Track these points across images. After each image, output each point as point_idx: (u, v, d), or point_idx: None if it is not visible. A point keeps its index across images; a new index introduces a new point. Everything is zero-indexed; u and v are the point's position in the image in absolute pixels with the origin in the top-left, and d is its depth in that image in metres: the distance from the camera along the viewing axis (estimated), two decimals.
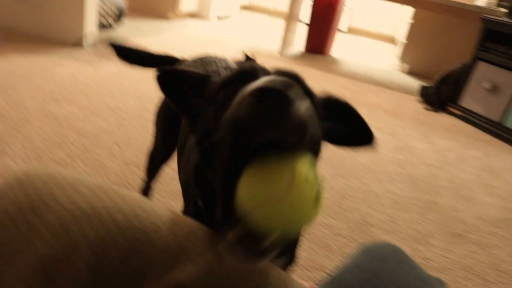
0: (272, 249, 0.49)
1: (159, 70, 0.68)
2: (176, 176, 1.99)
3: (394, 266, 0.55)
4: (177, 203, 1.83)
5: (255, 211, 0.48)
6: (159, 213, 0.67)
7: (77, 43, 3.83)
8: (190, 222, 0.68)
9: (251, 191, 0.49)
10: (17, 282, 0.60)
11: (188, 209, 0.84)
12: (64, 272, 0.61)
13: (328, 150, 2.50)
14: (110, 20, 4.31)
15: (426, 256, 1.80)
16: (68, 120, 2.38)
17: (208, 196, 0.69)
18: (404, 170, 2.59)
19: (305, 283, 0.71)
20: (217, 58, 1.21)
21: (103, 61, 3.55)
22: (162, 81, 0.68)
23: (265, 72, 0.62)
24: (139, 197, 0.70)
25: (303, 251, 1.68)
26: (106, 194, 0.68)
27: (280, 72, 0.62)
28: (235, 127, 0.49)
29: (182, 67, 1.23)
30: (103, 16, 4.25)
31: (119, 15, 4.50)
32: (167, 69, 0.69)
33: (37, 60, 3.30)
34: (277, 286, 0.62)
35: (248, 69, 0.61)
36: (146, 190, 1.67)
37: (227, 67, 1.14)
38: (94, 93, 2.85)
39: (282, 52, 5.10)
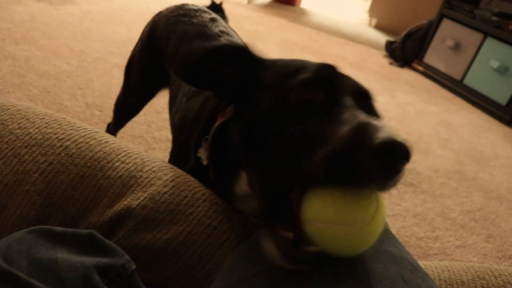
0: (307, 259, 0.48)
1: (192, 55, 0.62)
2: (139, 120, 1.98)
3: None
4: (139, 147, 1.84)
5: (324, 225, 0.45)
6: (111, 144, 0.68)
7: None
8: (142, 153, 0.70)
9: (330, 205, 0.46)
10: None
11: (177, 155, 0.84)
12: (16, 197, 0.62)
13: None
14: None
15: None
16: (28, 61, 2.31)
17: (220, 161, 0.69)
18: None
19: None
20: (195, 8, 1.19)
21: (65, 2, 3.40)
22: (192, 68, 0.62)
23: (345, 79, 0.59)
24: (91, 129, 0.71)
25: None
26: (57, 123, 0.68)
27: (357, 89, 0.59)
28: (345, 171, 0.45)
29: (159, 17, 1.21)
30: None
31: None
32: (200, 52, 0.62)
33: None
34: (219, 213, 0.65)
35: (328, 72, 0.58)
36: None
37: (217, 24, 1.12)
38: (56, 34, 2.75)
39: (250, 1, 5.00)
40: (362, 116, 0.49)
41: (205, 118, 0.75)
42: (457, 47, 3.67)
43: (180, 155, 0.84)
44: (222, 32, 1.08)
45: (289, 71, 0.59)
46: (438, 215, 1.91)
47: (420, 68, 4.01)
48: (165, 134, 1.96)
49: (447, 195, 2.08)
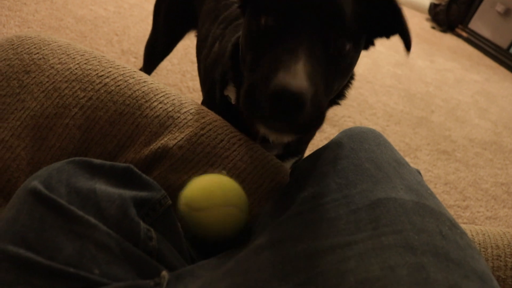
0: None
1: None
2: (174, 69, 1.98)
3: (373, 146, 0.57)
4: None
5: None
6: (150, 84, 0.68)
7: None
8: (180, 96, 0.69)
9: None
10: (12, 137, 0.62)
11: (211, 97, 0.85)
12: (56, 130, 0.62)
13: None
14: None
15: None
16: (65, 5, 2.31)
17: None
18: (402, 85, 2.59)
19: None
20: None
21: None
22: None
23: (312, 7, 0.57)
24: (131, 68, 0.70)
25: None
26: (97, 60, 0.68)
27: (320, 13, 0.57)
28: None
29: None
30: None
31: None
32: None
33: None
34: (256, 160, 0.65)
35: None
36: None
37: None
38: None
39: None
40: (286, 56, 0.52)
41: (231, 55, 0.74)
42: (507, 13, 3.49)
43: (212, 96, 0.84)
44: None
45: None
46: (470, 184, 1.87)
47: (464, 34, 3.85)
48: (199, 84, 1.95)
49: (481, 166, 2.03)
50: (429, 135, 2.14)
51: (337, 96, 0.73)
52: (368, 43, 0.71)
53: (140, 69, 1.61)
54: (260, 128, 0.65)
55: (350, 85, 0.73)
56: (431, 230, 0.45)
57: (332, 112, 2.07)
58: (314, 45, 0.55)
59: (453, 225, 0.48)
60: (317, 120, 0.54)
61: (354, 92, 2.32)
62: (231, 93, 0.74)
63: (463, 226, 1.65)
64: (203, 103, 0.92)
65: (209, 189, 0.53)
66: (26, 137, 0.63)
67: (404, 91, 2.52)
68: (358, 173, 0.52)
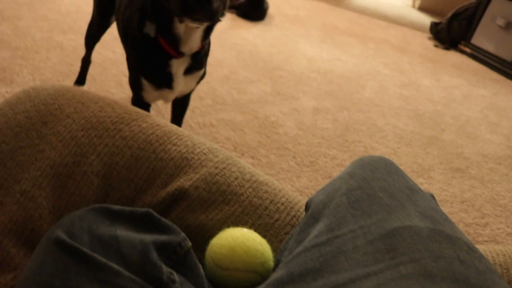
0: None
1: None
2: None
3: (385, 175, 0.58)
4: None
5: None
6: (163, 128, 0.70)
7: None
8: (192, 136, 0.71)
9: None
10: (33, 186, 0.64)
11: (133, 40, 1.18)
12: (75, 178, 0.64)
13: (334, 84, 2.48)
14: None
15: (427, 189, 1.84)
16: (75, 50, 2.38)
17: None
18: (410, 106, 2.60)
19: None
20: None
21: None
22: None
23: None
24: (143, 111, 0.73)
25: (306, 180, 1.72)
26: (110, 106, 0.70)
27: None
28: None
29: None
30: None
31: None
32: None
33: None
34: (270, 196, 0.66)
35: None
36: (86, 62, 1.98)
37: None
38: None
39: None
40: None
41: (141, 7, 1.09)
42: (508, 26, 3.52)
43: (134, 39, 1.16)
44: None
45: None
46: (488, 201, 1.85)
47: (467, 49, 3.87)
48: (209, 120, 1.98)
49: (497, 181, 2.01)
50: (441, 154, 2.14)
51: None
52: None
53: (83, 57, 1.96)
54: (181, 26, 1.04)
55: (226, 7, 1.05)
56: (448, 256, 0.45)
57: (342, 138, 2.08)
58: None
59: (471, 249, 0.48)
60: (221, 10, 0.94)
61: (362, 116, 2.33)
62: (150, 29, 1.08)
63: (483, 245, 1.63)
64: (128, 52, 1.27)
65: (235, 251, 0.57)
66: (47, 186, 0.65)
67: (412, 111, 2.53)
68: (372, 203, 0.53)
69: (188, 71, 1.21)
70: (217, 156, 0.67)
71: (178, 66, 1.17)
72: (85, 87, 2.03)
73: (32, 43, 2.37)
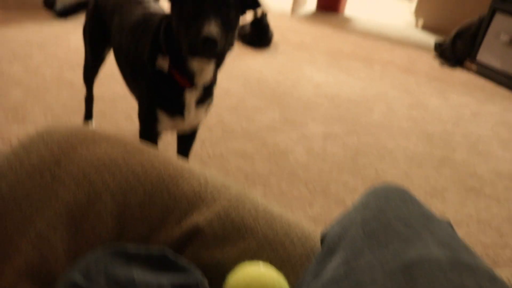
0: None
1: None
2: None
3: (400, 204, 0.57)
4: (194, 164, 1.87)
5: None
6: (175, 163, 0.70)
7: None
8: (204, 172, 0.71)
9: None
10: (47, 228, 0.64)
11: (144, 77, 1.25)
12: (89, 217, 0.65)
13: (342, 108, 2.49)
14: None
15: (441, 210, 1.82)
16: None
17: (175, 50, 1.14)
18: (419, 127, 2.59)
19: None
20: None
21: None
22: None
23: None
24: (155, 150, 0.73)
25: (319, 208, 1.71)
26: (122, 146, 0.71)
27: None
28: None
29: None
30: None
31: None
32: None
33: (52, 28, 3.32)
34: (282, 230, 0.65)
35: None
36: (88, 99, 2.02)
37: None
38: (108, 59, 2.87)
39: (293, 11, 5.02)
40: (205, 21, 0.98)
41: (151, 43, 1.19)
42: None
43: (145, 75, 1.24)
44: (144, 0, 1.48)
45: None
46: (505, 220, 1.82)
47: (473, 67, 3.87)
48: (219, 150, 1.99)
49: None
50: (454, 174, 2.12)
51: (230, 45, 1.13)
52: (243, 11, 1.12)
53: (85, 95, 1.99)
54: (194, 62, 1.12)
55: (234, 41, 1.14)
56: (470, 286, 0.44)
57: (353, 162, 2.08)
58: (216, 15, 0.99)
59: (492, 278, 0.47)
60: (223, 53, 1.10)
61: (372, 139, 2.33)
62: (162, 63, 1.16)
63: (504, 268, 1.59)
64: (137, 83, 1.33)
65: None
66: (62, 227, 0.65)
67: (421, 132, 2.52)
68: (388, 233, 0.52)
69: (199, 101, 1.28)
70: (230, 191, 0.67)
71: (190, 96, 1.24)
72: (94, 122, 2.06)
73: (43, 81, 2.42)
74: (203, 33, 0.96)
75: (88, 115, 2.03)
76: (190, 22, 1.02)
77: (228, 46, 1.11)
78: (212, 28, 0.97)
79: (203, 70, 1.16)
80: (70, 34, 3.23)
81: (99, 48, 1.72)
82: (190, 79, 1.17)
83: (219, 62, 1.19)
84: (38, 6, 3.76)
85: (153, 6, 1.46)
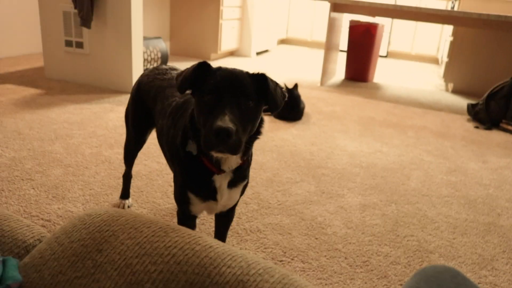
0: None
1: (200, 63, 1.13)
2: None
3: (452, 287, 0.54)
4: (231, 240, 1.85)
5: None
6: (216, 249, 0.69)
7: (126, 90, 4.01)
8: (246, 255, 0.70)
9: None
10: None
11: (178, 158, 1.28)
12: None
13: (379, 177, 2.46)
14: (155, 65, 4.50)
15: (493, 282, 1.72)
16: (121, 164, 2.46)
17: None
18: (459, 192, 2.51)
19: None
20: (166, 67, 1.68)
21: None
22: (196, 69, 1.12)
23: (229, 84, 1.06)
24: (195, 233, 0.73)
25: (361, 282, 1.64)
26: (162, 230, 0.71)
27: (234, 88, 1.06)
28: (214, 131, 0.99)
29: (143, 77, 1.72)
30: (149, 62, 4.45)
31: (163, 59, 4.70)
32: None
33: (90, 108, 3.48)
34: None
35: (219, 82, 1.06)
36: (127, 178, 2.05)
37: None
38: None
39: (323, 82, 5.13)
40: (219, 114, 1.01)
41: (184, 127, 1.24)
42: None
43: (178, 156, 1.28)
44: None
45: (212, 80, 1.07)
46: None
47: (510, 127, 3.80)
48: (255, 225, 1.96)
49: None
50: (502, 241, 2.01)
51: (255, 134, 1.17)
52: (262, 102, 1.13)
53: (124, 174, 2.04)
54: (213, 155, 1.14)
55: (261, 129, 1.19)
56: None
57: (394, 233, 2.01)
58: (233, 106, 1.03)
59: None
60: (239, 144, 1.03)
61: (411, 208, 2.26)
62: (192, 148, 1.20)
63: None
64: (174, 168, 1.36)
65: None
66: None
67: (463, 198, 2.44)
68: None
69: (231, 184, 1.28)
70: (272, 276, 0.65)
71: (221, 181, 1.25)
72: (130, 200, 2.09)
73: (82, 159, 2.50)
74: (216, 127, 0.97)
75: (125, 194, 2.06)
76: (207, 115, 1.05)
77: (250, 136, 1.13)
78: (225, 122, 0.98)
79: (227, 158, 1.18)
80: (108, 113, 3.37)
81: (142, 130, 1.77)
82: (217, 166, 1.19)
83: (243, 151, 1.17)
84: (79, 89, 3.98)
85: None
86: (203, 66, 1.12)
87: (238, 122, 1.02)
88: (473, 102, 4.21)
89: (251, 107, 1.07)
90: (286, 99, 1.18)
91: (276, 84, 1.16)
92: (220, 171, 1.20)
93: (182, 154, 1.24)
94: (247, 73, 1.11)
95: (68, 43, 4.10)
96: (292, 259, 1.74)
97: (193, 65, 1.14)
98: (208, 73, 1.11)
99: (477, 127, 3.91)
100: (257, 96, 1.09)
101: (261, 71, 1.18)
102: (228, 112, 1.01)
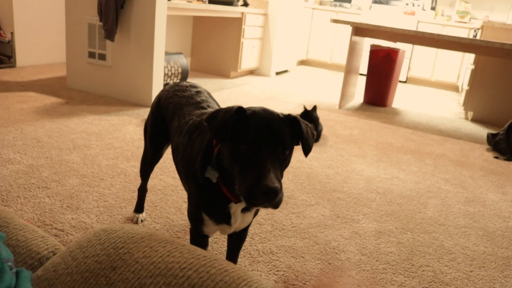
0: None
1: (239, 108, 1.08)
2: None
3: None
4: (243, 260, 1.83)
5: None
6: (231, 273, 0.68)
7: (145, 103, 4.05)
8: (261, 281, 0.68)
9: None
10: None
11: (195, 181, 1.26)
12: None
13: (395, 204, 2.43)
14: (175, 80, 4.54)
15: None
16: (137, 177, 2.49)
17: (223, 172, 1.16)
18: (478, 224, 2.45)
19: None
20: (186, 84, 1.67)
21: None
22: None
23: (269, 134, 1.03)
24: (211, 255, 0.71)
25: None
26: (178, 251, 0.70)
27: (273, 139, 1.03)
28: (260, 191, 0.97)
29: (163, 92, 1.72)
30: (169, 77, 4.49)
31: (183, 75, 4.74)
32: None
33: (109, 119, 3.51)
34: None
35: (258, 132, 1.02)
36: (142, 191, 2.03)
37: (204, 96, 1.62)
38: None
39: (341, 105, 5.11)
40: (262, 168, 0.98)
41: (203, 152, 1.22)
42: None
43: (195, 180, 1.26)
44: (203, 100, 1.56)
45: (249, 129, 1.03)
46: None
47: None
48: (268, 247, 1.94)
49: None
50: None
51: None
52: (294, 145, 1.11)
53: (139, 187, 2.03)
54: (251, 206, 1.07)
55: None
56: None
57: (409, 263, 1.96)
58: (273, 157, 1.01)
59: None
60: (282, 198, 1.00)
61: (427, 238, 2.22)
62: (211, 175, 1.17)
63: None
64: (189, 187, 1.33)
65: None
66: None
67: (481, 230, 2.39)
68: None
69: (245, 209, 1.28)
70: None
71: (236, 208, 1.25)
72: (144, 214, 2.08)
73: (98, 170, 2.51)
74: (263, 187, 0.94)
75: (140, 208, 2.05)
76: (245, 166, 1.01)
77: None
78: (272, 181, 0.95)
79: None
80: (127, 126, 3.39)
81: (159, 144, 1.78)
82: (236, 196, 1.17)
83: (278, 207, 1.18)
84: (99, 101, 4.03)
85: (212, 108, 1.53)
86: (239, 112, 1.06)
87: (279, 174, 1.02)
88: (493, 131, 4.15)
89: (287, 154, 1.05)
90: (314, 137, 1.16)
91: (307, 125, 1.13)
92: (239, 200, 1.19)
93: (200, 178, 1.23)
94: (281, 118, 1.07)
95: (91, 55, 4.17)
96: (304, 284, 1.71)
97: (229, 111, 1.07)
98: (242, 118, 1.05)
99: (496, 157, 3.84)
100: (292, 141, 1.07)
101: (293, 113, 1.17)
102: (271, 167, 0.98)
